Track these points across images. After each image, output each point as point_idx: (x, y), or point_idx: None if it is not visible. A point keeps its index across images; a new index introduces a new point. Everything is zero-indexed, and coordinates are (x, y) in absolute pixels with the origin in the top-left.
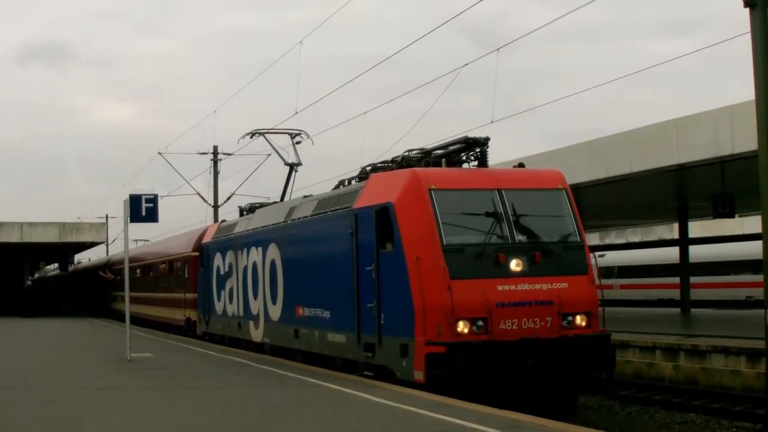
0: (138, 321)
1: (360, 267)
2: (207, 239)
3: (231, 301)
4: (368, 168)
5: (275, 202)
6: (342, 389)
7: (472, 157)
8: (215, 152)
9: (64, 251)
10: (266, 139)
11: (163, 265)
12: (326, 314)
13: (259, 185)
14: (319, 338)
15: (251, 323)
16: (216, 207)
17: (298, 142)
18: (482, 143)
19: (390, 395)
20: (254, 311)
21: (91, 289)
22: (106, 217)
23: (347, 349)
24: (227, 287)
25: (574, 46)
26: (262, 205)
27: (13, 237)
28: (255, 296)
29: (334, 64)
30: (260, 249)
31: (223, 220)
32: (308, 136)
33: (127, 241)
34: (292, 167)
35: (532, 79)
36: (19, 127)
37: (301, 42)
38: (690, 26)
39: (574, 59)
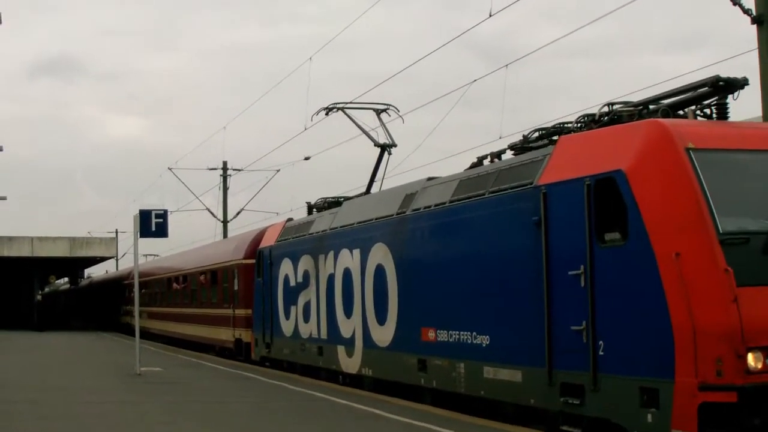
0: (169, 341)
1: (554, 270)
2: (268, 242)
3: (307, 320)
4: (534, 135)
5: (361, 194)
6: None
7: (699, 112)
8: (225, 168)
9: (74, 265)
10: (347, 114)
11: (203, 275)
12: (482, 339)
13: (269, 201)
14: (467, 373)
15: (341, 349)
16: (225, 222)
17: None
18: (740, 86)
19: None
20: (346, 333)
21: (101, 303)
22: (116, 232)
23: (526, 390)
24: (301, 302)
25: (581, 62)
26: (338, 201)
27: (24, 251)
28: (348, 313)
29: (342, 79)
30: (357, 251)
31: (290, 219)
32: (398, 111)
33: (137, 255)
34: (384, 149)
35: (541, 95)
36: (29, 142)
37: (311, 58)
38: (698, 42)
39: (582, 75)
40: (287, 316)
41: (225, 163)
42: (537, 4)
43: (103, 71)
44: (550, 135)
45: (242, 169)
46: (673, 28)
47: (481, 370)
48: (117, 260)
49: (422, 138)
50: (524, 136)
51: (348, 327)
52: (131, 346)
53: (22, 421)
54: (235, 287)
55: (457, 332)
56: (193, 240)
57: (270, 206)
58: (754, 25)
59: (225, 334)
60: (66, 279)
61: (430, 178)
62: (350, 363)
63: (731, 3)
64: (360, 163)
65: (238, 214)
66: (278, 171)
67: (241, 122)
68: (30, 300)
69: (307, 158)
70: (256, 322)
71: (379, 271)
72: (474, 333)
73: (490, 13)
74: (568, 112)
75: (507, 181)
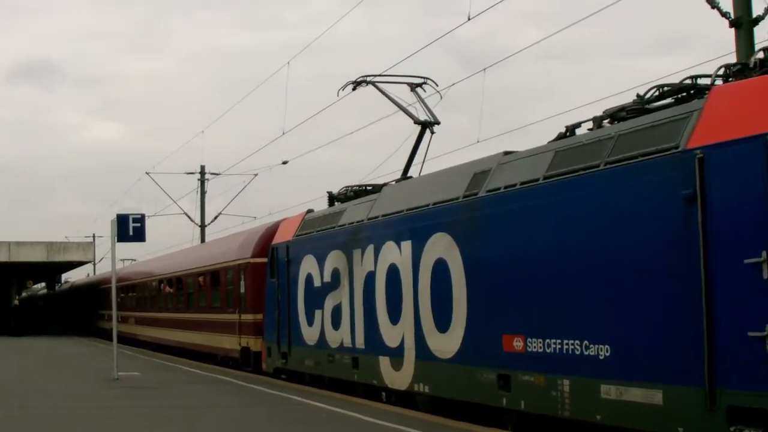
0: (162, 349)
1: (718, 258)
2: (283, 238)
3: (337, 326)
4: (655, 93)
5: (401, 179)
6: None
7: None
8: (202, 172)
9: (51, 270)
10: (378, 89)
11: (202, 277)
12: (598, 349)
13: (247, 205)
14: (573, 392)
15: (384, 360)
16: (203, 226)
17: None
18: None
19: None
20: (391, 342)
21: (81, 307)
22: (94, 237)
23: (669, 416)
24: (329, 305)
25: (562, 65)
26: (365, 189)
27: (1, 256)
28: (394, 318)
29: (321, 83)
30: (407, 244)
31: (310, 210)
32: (436, 86)
33: (114, 260)
34: (425, 126)
35: (521, 99)
36: (7, 146)
37: (288, 63)
38: (676, 46)
39: (563, 78)
40: (310, 321)
41: (203, 168)
42: (517, 8)
43: (81, 76)
44: (675, 93)
45: (220, 174)
46: (652, 32)
47: (596, 389)
48: (94, 265)
49: (401, 141)
50: (638, 95)
51: (394, 334)
52: (109, 350)
53: None
54: (242, 289)
55: (558, 341)
56: (170, 244)
57: (248, 210)
58: (732, 29)
59: (229, 342)
60: (43, 284)
61: (507, 152)
62: (397, 377)
63: (709, 6)
64: (339, 167)
65: (215, 218)
66: (256, 175)
67: (220, 126)
68: (7, 305)
69: (284, 162)
70: (268, 328)
71: (440, 267)
72: (585, 342)
73: (469, 16)
74: (549, 115)
75: (634, 148)
